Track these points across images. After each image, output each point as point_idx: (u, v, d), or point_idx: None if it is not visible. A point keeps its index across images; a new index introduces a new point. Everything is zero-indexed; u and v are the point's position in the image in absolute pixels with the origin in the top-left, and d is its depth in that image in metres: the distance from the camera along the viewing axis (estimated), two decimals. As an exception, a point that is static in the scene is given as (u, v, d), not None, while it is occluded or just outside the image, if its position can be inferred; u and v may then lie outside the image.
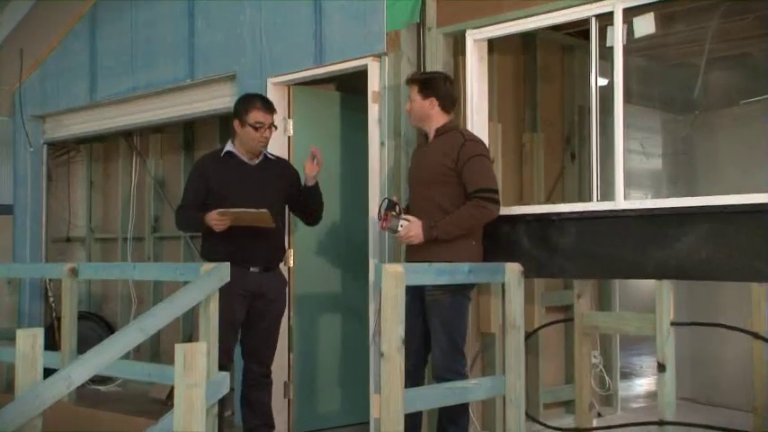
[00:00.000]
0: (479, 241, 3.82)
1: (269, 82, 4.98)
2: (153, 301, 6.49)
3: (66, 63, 6.61)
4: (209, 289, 3.38)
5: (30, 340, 2.70)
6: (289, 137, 4.95)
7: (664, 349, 3.43)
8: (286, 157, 4.80)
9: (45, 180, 7.08)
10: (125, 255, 6.95)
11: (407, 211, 3.89)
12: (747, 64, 5.44)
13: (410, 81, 3.92)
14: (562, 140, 5.12)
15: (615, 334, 5.04)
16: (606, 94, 3.75)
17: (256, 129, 4.14)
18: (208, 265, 3.51)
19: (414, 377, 3.69)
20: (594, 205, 3.74)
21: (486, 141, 4.08)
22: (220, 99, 5.45)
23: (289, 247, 4.81)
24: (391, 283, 3.13)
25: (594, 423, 4.33)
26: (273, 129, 4.24)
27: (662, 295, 3.44)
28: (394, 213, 3.76)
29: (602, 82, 3.86)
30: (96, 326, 6.96)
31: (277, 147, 4.82)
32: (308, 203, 4.35)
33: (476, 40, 4.14)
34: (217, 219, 3.96)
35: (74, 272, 4.29)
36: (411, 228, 3.71)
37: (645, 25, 3.82)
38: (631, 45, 3.89)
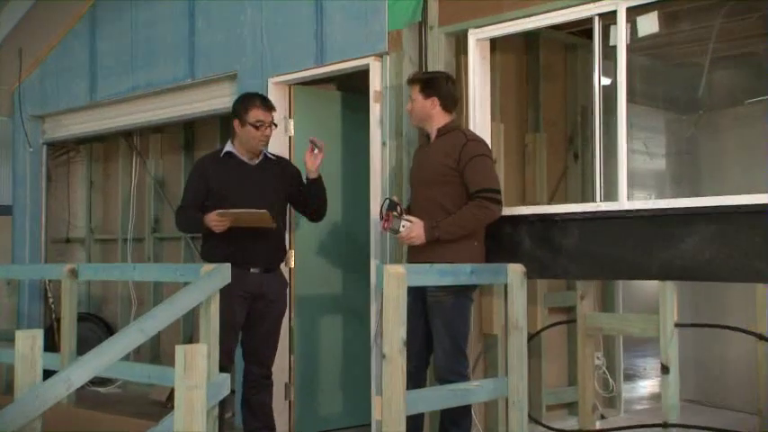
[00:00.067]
0: (482, 242, 3.82)
1: (270, 82, 4.99)
2: (153, 303, 6.49)
3: (66, 63, 6.62)
4: (209, 290, 3.38)
5: (29, 341, 2.70)
6: (290, 137, 4.95)
7: (667, 351, 3.42)
8: (287, 157, 4.80)
9: (44, 180, 7.08)
10: (125, 255, 6.96)
11: (409, 211, 3.89)
12: (751, 63, 5.44)
13: (411, 81, 3.92)
14: (565, 140, 5.12)
15: (618, 335, 5.03)
16: (609, 93, 3.75)
17: (257, 127, 4.14)
18: (208, 266, 3.51)
19: (416, 379, 3.69)
20: (598, 206, 3.74)
21: (489, 141, 4.08)
22: (221, 99, 5.46)
23: (290, 248, 4.81)
24: (393, 284, 3.12)
25: (598, 425, 4.32)
26: (273, 127, 4.24)
27: (666, 296, 3.44)
28: (395, 214, 3.76)
29: (606, 81, 3.86)
30: (96, 327, 6.97)
31: (278, 147, 4.83)
32: (311, 199, 4.34)
33: (478, 40, 4.14)
34: (216, 220, 3.96)
35: (73, 273, 4.29)
36: (413, 228, 3.71)
37: (648, 24, 3.81)
38: (635, 44, 3.89)
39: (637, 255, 3.55)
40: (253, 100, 4.21)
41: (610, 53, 3.72)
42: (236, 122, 4.19)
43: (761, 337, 4.00)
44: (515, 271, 3.65)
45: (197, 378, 2.54)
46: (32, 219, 6.98)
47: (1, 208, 7.04)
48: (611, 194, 3.74)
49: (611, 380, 5.06)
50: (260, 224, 3.99)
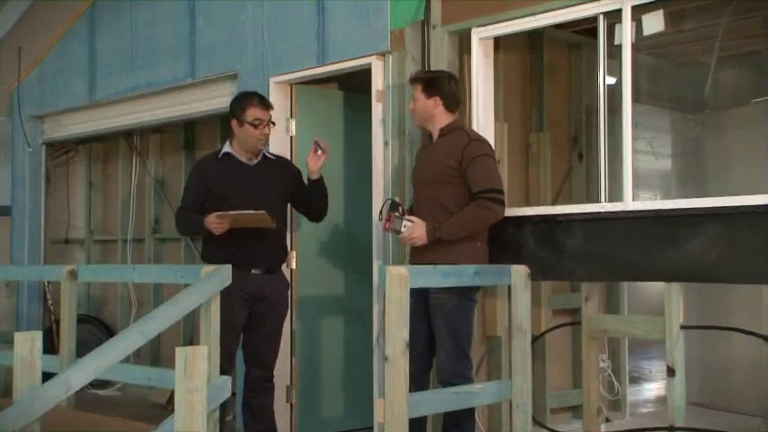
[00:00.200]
0: (485, 243, 3.82)
1: (271, 81, 4.99)
2: (153, 304, 6.49)
3: (66, 62, 6.63)
4: (210, 292, 3.38)
5: (28, 343, 2.70)
6: (291, 137, 4.95)
7: (673, 353, 3.42)
8: (288, 158, 4.80)
9: (44, 181, 7.09)
10: (125, 257, 6.96)
11: (411, 211, 3.89)
12: (758, 62, 5.43)
13: (414, 80, 3.92)
14: (569, 140, 5.12)
15: (624, 337, 5.03)
16: (614, 93, 3.75)
17: (255, 126, 4.14)
18: (209, 268, 3.51)
19: (418, 381, 3.69)
20: (602, 206, 3.73)
21: (492, 141, 4.08)
22: (221, 99, 5.46)
23: (291, 249, 4.81)
24: (396, 285, 3.12)
25: (602, 428, 4.32)
26: (272, 125, 4.24)
27: (671, 298, 3.43)
28: (397, 214, 3.76)
29: (610, 81, 3.85)
30: (96, 329, 6.97)
31: (280, 147, 4.83)
32: (312, 199, 4.34)
33: (481, 39, 4.14)
34: (216, 222, 3.97)
35: (73, 274, 4.30)
36: (414, 229, 3.71)
37: (654, 23, 3.81)
38: (640, 43, 3.88)
39: (642, 256, 3.55)
40: (250, 98, 4.21)
41: (615, 52, 3.72)
42: (233, 122, 4.20)
43: (766, 339, 4.00)
44: (519, 272, 3.65)
45: (197, 380, 2.54)
46: (31, 219, 6.99)
47: (0, 209, 7.05)
48: (615, 195, 3.73)
49: (616, 382, 5.05)
50: (259, 225, 4.00)
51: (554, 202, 4.85)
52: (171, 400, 5.41)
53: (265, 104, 4.22)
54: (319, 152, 4.22)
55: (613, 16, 3.69)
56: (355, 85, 5.04)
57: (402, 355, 3.11)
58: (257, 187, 4.16)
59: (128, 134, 6.91)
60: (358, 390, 4.92)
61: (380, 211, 3.87)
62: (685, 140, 6.08)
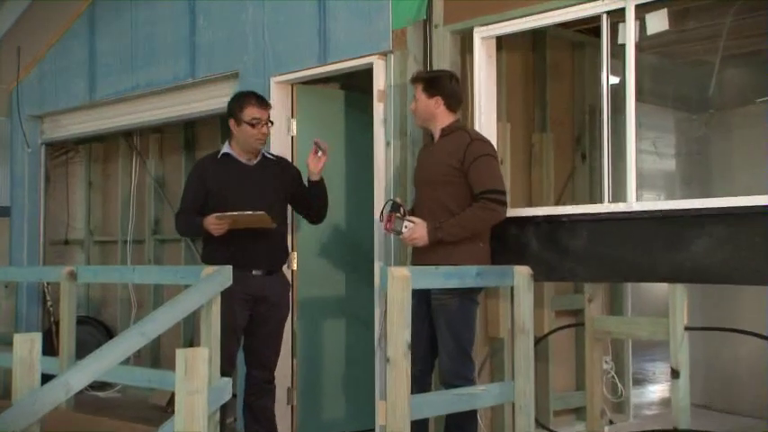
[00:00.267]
0: (487, 243, 3.82)
1: (272, 81, 4.99)
2: (153, 306, 6.49)
3: (65, 62, 6.63)
4: (210, 293, 3.38)
5: (27, 345, 2.70)
6: (292, 137, 4.96)
7: (677, 355, 3.42)
8: (289, 158, 4.80)
9: (43, 181, 7.10)
10: (125, 258, 6.97)
11: (413, 212, 3.89)
12: (763, 61, 5.42)
13: (415, 80, 3.92)
14: (572, 140, 5.12)
15: (627, 339, 5.03)
16: (618, 92, 3.75)
17: (253, 126, 4.15)
18: (209, 269, 3.52)
19: (420, 383, 3.69)
20: (606, 207, 3.73)
21: (495, 141, 4.08)
22: (222, 98, 5.44)
23: (292, 250, 4.81)
24: (397, 286, 3.12)
25: (606, 431, 4.32)
26: (270, 125, 4.24)
27: (675, 299, 3.43)
28: (398, 215, 3.76)
29: (614, 80, 3.86)
30: (95, 330, 6.98)
31: (281, 147, 4.83)
32: (312, 201, 4.34)
33: (483, 38, 4.14)
34: (215, 223, 3.97)
35: (72, 275, 4.30)
36: (415, 230, 3.71)
37: (658, 22, 3.81)
38: (644, 42, 3.88)
39: (646, 257, 3.55)
40: (247, 98, 4.22)
41: (618, 51, 3.72)
42: (231, 122, 4.21)
43: (772, 340, 3.99)
44: (522, 273, 3.65)
45: (198, 382, 2.54)
46: (31, 220, 7.00)
47: (-1, 209, 7.06)
48: (619, 195, 3.73)
49: (619, 384, 5.04)
50: (259, 225, 4.00)
51: (557, 203, 4.85)
52: (171, 402, 5.42)
53: (263, 103, 4.22)
54: (320, 153, 4.22)
55: (617, 15, 3.69)
56: (357, 85, 5.05)
57: (404, 356, 3.11)
58: (257, 188, 4.16)
59: (128, 134, 6.92)
60: (359, 392, 4.92)
61: (381, 212, 3.87)
62: (689, 140, 6.08)
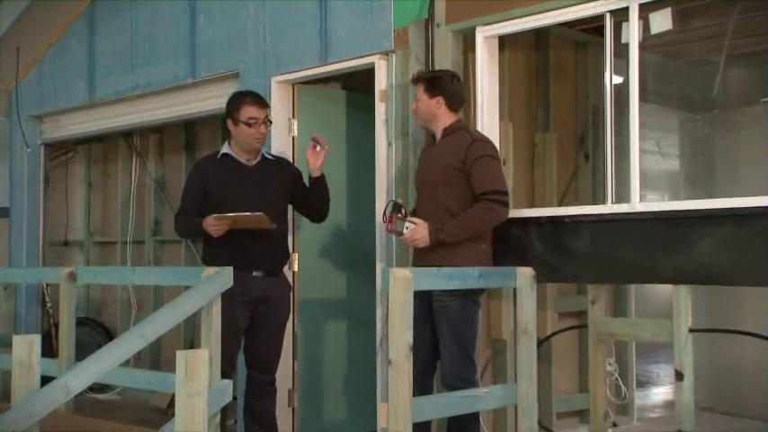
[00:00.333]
0: (489, 244, 3.82)
1: (273, 80, 4.99)
2: (153, 307, 6.50)
3: (65, 61, 6.64)
4: (211, 294, 3.39)
5: (26, 347, 2.70)
6: (293, 137, 4.96)
7: (681, 357, 3.41)
8: (291, 158, 4.80)
9: (42, 182, 7.10)
10: (124, 259, 6.97)
11: (414, 213, 3.89)
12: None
13: (416, 80, 3.92)
14: (575, 140, 5.11)
15: (631, 341, 5.02)
16: (621, 92, 3.74)
17: (250, 125, 4.15)
18: (210, 270, 3.52)
19: (422, 385, 3.69)
20: (609, 208, 3.73)
21: (497, 141, 4.08)
22: (222, 99, 5.41)
23: (293, 251, 4.81)
24: (399, 288, 3.12)
25: (609, 433, 4.31)
26: (268, 124, 4.25)
27: (679, 301, 3.43)
28: (400, 216, 3.76)
29: (617, 80, 3.85)
30: (95, 332, 6.98)
31: (282, 147, 4.84)
32: (313, 199, 4.34)
33: (486, 37, 4.14)
34: (214, 224, 3.97)
35: (72, 276, 4.30)
36: (417, 230, 3.71)
37: (661, 21, 3.81)
38: (647, 42, 3.88)
39: (649, 258, 3.55)
40: (244, 97, 4.23)
41: (622, 51, 3.72)
42: (229, 122, 4.21)
43: (777, 342, 3.99)
44: (524, 274, 3.64)
45: (198, 384, 2.54)
46: (30, 221, 7.00)
47: (-2, 210, 7.07)
48: (622, 196, 3.73)
49: (623, 387, 5.05)
50: (259, 226, 4.00)
51: (560, 204, 4.85)
52: (171, 404, 5.42)
53: (260, 102, 4.22)
54: (318, 148, 4.22)
55: (620, 14, 3.69)
56: (358, 85, 5.05)
57: (406, 358, 3.11)
58: (257, 188, 4.17)
59: (127, 134, 6.92)
60: (361, 394, 4.92)
61: (383, 213, 3.87)
62: (694, 140, 6.07)
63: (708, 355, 5.42)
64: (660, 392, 6.60)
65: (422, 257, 3.80)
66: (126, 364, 3.18)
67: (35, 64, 6.89)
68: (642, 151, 3.70)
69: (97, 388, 6.31)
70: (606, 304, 4.15)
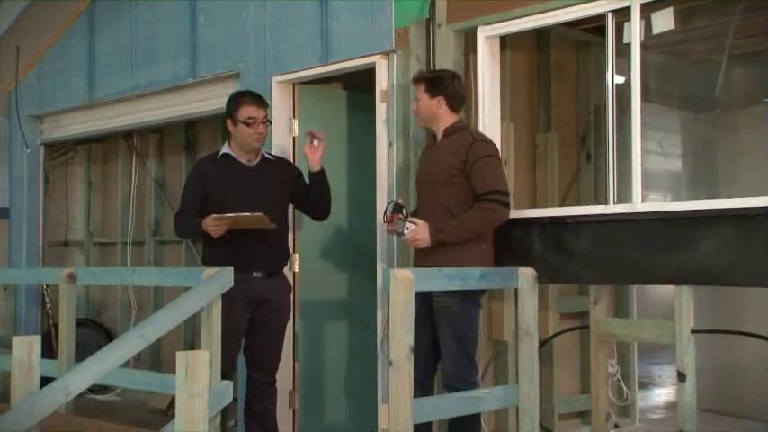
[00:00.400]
0: (490, 245, 3.82)
1: (273, 81, 5.00)
2: (153, 308, 6.50)
3: (64, 61, 6.64)
4: (211, 295, 3.39)
5: (26, 348, 2.71)
6: (294, 137, 4.96)
7: (684, 358, 3.41)
8: (291, 159, 4.81)
9: (42, 182, 7.10)
10: (124, 259, 6.97)
11: (415, 213, 3.89)
12: (772, 60, 5.42)
13: (417, 80, 3.92)
14: (577, 141, 5.12)
15: (633, 342, 5.02)
16: (623, 92, 3.74)
17: (249, 125, 4.15)
18: (210, 271, 3.52)
19: (423, 386, 3.69)
20: (611, 208, 3.73)
21: (498, 142, 4.08)
22: (223, 99, 5.41)
23: (294, 252, 4.81)
24: (400, 288, 3.13)
25: (611, 434, 4.31)
26: (268, 123, 4.25)
27: (682, 302, 3.43)
28: (400, 216, 3.76)
29: (619, 80, 3.85)
30: (95, 333, 6.98)
31: (282, 147, 4.84)
32: (315, 195, 4.33)
33: (487, 37, 4.14)
34: (213, 224, 3.97)
35: (72, 277, 4.31)
36: (417, 231, 3.71)
37: (663, 21, 3.81)
38: (649, 41, 3.88)
39: (651, 258, 3.55)
40: (243, 97, 4.24)
41: (623, 51, 3.72)
42: (228, 122, 4.22)
43: (780, 343, 3.99)
44: (526, 275, 3.65)
45: (199, 385, 2.54)
46: (29, 221, 7.00)
47: (-2, 210, 7.07)
48: (624, 196, 3.73)
49: (625, 388, 5.05)
50: (258, 226, 4.00)
51: (561, 204, 4.85)
52: (171, 405, 5.41)
53: (259, 102, 4.23)
54: (315, 142, 4.23)
55: (622, 14, 3.69)
56: (359, 85, 5.05)
57: (407, 359, 3.11)
58: (257, 188, 4.17)
59: (127, 134, 6.92)
60: (362, 395, 4.92)
61: (384, 213, 3.87)
62: (696, 140, 6.07)
63: (710, 355, 5.42)
64: (662, 394, 6.60)
65: (422, 258, 3.80)
66: (126, 365, 3.18)
67: (35, 64, 6.89)
68: (644, 151, 3.70)
69: (97, 389, 6.32)
70: (608, 305, 4.15)
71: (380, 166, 4.48)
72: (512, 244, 3.91)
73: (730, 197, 3.52)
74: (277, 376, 4.30)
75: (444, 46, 4.22)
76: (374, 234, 4.53)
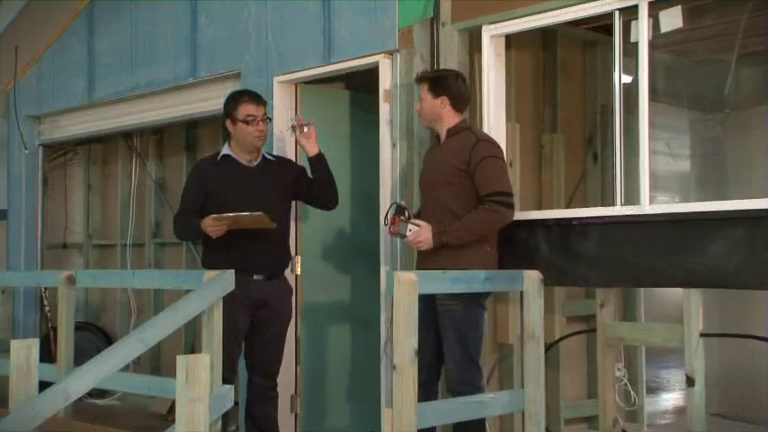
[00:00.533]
0: (494, 247, 3.82)
1: (275, 80, 5.00)
2: (153, 311, 6.51)
3: (64, 61, 6.65)
4: (212, 298, 3.39)
5: (24, 352, 2.71)
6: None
7: (692, 362, 3.41)
8: (293, 159, 4.81)
9: (41, 183, 7.11)
10: (124, 262, 6.98)
11: (419, 215, 3.89)
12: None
13: (420, 79, 3.92)
14: (583, 141, 5.11)
15: (641, 346, 5.01)
16: (630, 92, 3.74)
17: (248, 122, 4.17)
18: (211, 273, 3.52)
19: (427, 391, 3.68)
20: (618, 210, 3.73)
21: (504, 142, 4.08)
22: (223, 99, 5.46)
23: (296, 254, 4.81)
24: (404, 291, 3.12)
25: (619, 440, 4.31)
26: (268, 121, 4.26)
27: (690, 305, 3.42)
28: (403, 218, 3.76)
29: (626, 79, 3.85)
30: (94, 336, 6.99)
31: (283, 147, 4.84)
32: (318, 184, 4.33)
33: (492, 36, 4.13)
34: (213, 225, 3.97)
35: (71, 280, 4.31)
36: (420, 233, 3.71)
37: (671, 19, 3.80)
38: (657, 40, 3.87)
39: (659, 261, 3.54)
40: (240, 95, 4.26)
41: (631, 50, 3.71)
42: (228, 122, 4.23)
43: (790, 347, 3.98)
44: (532, 278, 3.64)
45: (199, 390, 2.54)
46: (28, 223, 7.01)
47: (-4, 212, 7.08)
48: (632, 198, 3.72)
49: (632, 392, 5.03)
50: (258, 226, 4.01)
51: (568, 206, 4.84)
52: (172, 410, 5.42)
53: (257, 100, 4.24)
54: (306, 129, 4.25)
55: (629, 13, 3.69)
56: (362, 85, 5.05)
57: (410, 363, 3.11)
58: (257, 189, 4.18)
59: (127, 135, 6.93)
60: (364, 399, 4.91)
61: (386, 215, 3.87)
62: (704, 141, 6.06)
63: (719, 360, 5.41)
64: (670, 398, 6.59)
65: (425, 260, 3.80)
66: (126, 368, 3.19)
67: (34, 63, 6.90)
68: (652, 152, 3.69)
69: (96, 393, 6.31)
70: (615, 308, 4.14)
71: (384, 166, 4.48)
72: (517, 246, 3.91)
73: (740, 198, 3.51)
74: (279, 380, 4.30)
75: (449, 45, 4.22)
76: (377, 235, 4.53)
